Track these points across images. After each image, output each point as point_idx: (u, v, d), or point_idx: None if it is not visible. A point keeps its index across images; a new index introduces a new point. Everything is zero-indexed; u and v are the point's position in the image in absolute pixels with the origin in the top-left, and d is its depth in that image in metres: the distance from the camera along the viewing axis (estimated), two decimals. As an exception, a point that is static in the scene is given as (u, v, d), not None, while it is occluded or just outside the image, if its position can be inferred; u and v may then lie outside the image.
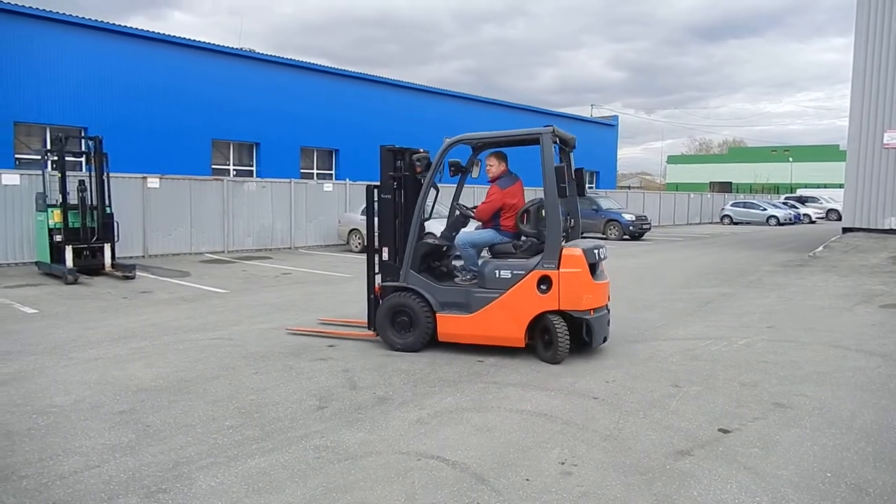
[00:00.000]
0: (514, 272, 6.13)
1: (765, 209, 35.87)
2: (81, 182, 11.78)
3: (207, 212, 16.12)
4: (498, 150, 6.75)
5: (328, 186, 19.15)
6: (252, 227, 17.09)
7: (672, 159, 78.21)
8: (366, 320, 7.02)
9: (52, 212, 11.59)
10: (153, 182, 15.21)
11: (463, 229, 7.08)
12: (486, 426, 4.46)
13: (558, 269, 5.94)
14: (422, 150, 6.77)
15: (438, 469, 3.77)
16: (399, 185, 6.64)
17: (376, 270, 6.85)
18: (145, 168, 15.79)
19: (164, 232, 15.29)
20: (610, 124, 41.42)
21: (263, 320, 8.05)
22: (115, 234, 12.23)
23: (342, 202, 19.09)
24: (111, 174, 12.25)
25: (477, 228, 6.99)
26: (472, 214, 6.87)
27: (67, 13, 17.67)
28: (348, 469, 3.77)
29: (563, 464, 3.84)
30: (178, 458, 3.89)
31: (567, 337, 5.95)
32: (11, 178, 13.21)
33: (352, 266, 13.93)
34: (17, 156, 16.81)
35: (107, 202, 12.07)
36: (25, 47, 16.65)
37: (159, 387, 5.27)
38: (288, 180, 18.13)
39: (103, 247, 11.95)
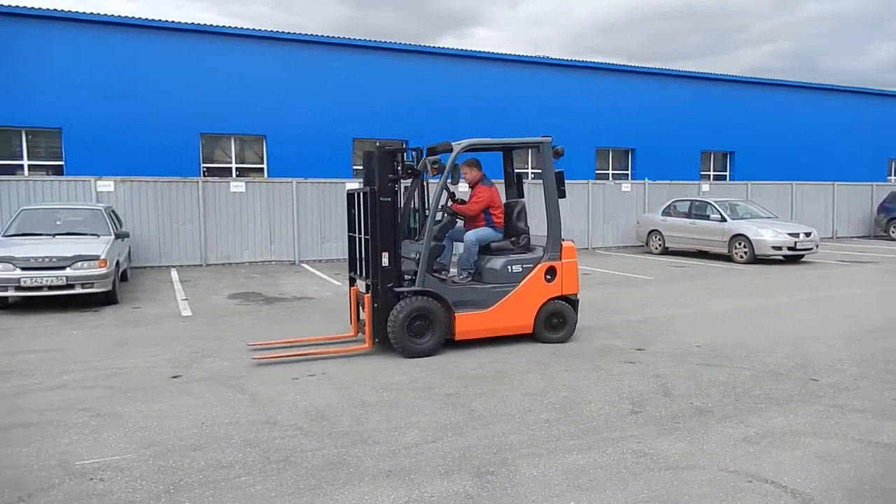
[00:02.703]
0: (524, 266, 6.78)
1: None
2: (405, 188, 13.29)
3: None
4: (472, 157, 7.22)
5: (626, 187, 18.79)
6: (550, 227, 17.54)
7: None
8: (308, 338, 6.99)
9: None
10: (462, 186, 16.53)
11: (462, 229, 7.17)
12: (830, 455, 3.90)
13: (561, 259, 6.83)
14: (395, 142, 6.65)
15: (775, 495, 3.40)
16: (398, 187, 6.54)
17: (365, 277, 6.56)
18: (455, 173, 17.19)
19: (471, 232, 16.51)
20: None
21: (567, 319, 8.18)
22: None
23: (640, 202, 18.58)
24: (428, 181, 13.62)
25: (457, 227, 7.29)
26: (461, 214, 7.11)
27: (390, 41, 20.15)
28: (670, 480, 3.60)
29: (942, 514, 3.17)
30: (501, 444, 4.12)
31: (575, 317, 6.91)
32: (352, 185, 15.55)
33: (652, 268, 13.45)
34: (354, 167, 19.68)
35: (426, 205, 13.44)
36: (352, 73, 19.40)
37: (479, 375, 5.68)
38: (585, 181, 18.22)
39: (423, 245, 13.32)
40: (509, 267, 6.77)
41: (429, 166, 6.56)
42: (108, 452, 4.01)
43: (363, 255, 6.61)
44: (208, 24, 17.43)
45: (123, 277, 10.81)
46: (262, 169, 18.15)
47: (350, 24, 65.36)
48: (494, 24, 69.23)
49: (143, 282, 11.63)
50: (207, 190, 14.20)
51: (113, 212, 11.52)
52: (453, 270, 7.08)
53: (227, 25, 17.70)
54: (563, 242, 6.93)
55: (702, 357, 6.22)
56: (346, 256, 7.50)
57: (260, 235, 14.72)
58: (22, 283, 8.51)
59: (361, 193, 6.53)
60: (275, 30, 18.04)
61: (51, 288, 8.62)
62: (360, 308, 6.90)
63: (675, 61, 66.59)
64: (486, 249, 6.94)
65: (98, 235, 9.84)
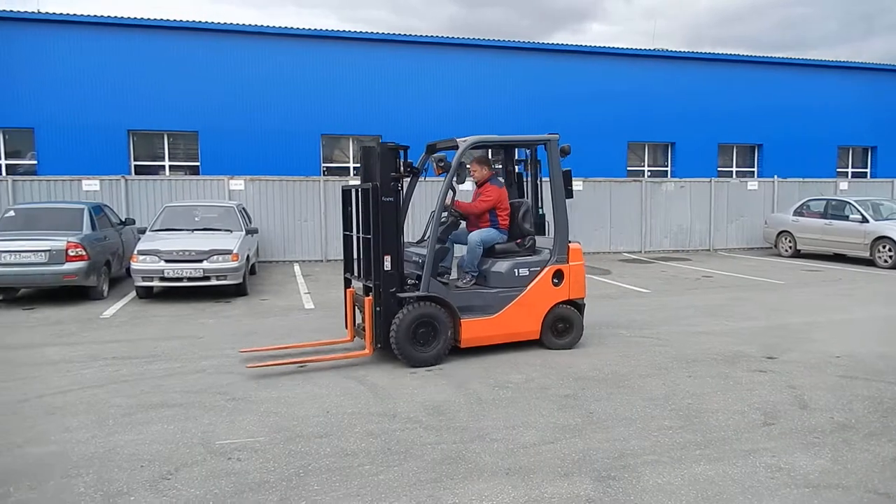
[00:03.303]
0: (531, 269, 6.47)
1: None
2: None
3: (625, 212, 16.54)
4: (481, 154, 6.89)
5: (753, 185, 17.72)
6: (669, 227, 16.89)
7: None
8: (303, 343, 6.62)
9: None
10: (577, 185, 16.25)
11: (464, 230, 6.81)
12: None
13: (568, 262, 6.55)
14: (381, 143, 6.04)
15: (935, 524, 3.08)
16: (400, 186, 6.09)
17: (362, 279, 6.24)
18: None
19: (586, 231, 16.19)
20: None
21: (690, 323, 7.84)
22: (545, 231, 13.41)
23: (768, 201, 17.48)
24: (542, 178, 13.49)
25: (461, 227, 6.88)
26: (463, 213, 6.70)
27: (502, 39, 20.13)
28: (809, 498, 3.36)
29: None
30: (623, 449, 4.01)
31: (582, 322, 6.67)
32: (465, 186, 15.64)
33: (782, 272, 12.60)
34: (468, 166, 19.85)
35: (539, 203, 13.31)
36: (464, 73, 19.53)
37: (596, 377, 5.55)
38: (707, 179, 17.36)
39: (535, 244, 13.21)
40: (516, 270, 6.43)
41: (434, 165, 6.22)
42: (244, 434, 4.28)
43: (360, 256, 6.33)
44: (328, 29, 18.17)
45: (252, 271, 11.50)
46: (378, 168, 18.69)
47: (463, 23, 65.96)
48: (608, 18, 67.46)
49: (270, 275, 12.31)
50: (328, 188, 14.81)
51: (244, 209, 12.27)
52: (454, 274, 6.75)
53: (344, 30, 18.35)
54: (569, 244, 6.63)
55: (842, 369, 5.76)
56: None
57: (376, 232, 15.16)
58: (165, 275, 9.26)
59: (360, 191, 6.18)
60: (390, 32, 18.54)
61: (189, 279, 9.32)
62: (357, 311, 6.59)
63: (804, 50, 61.84)
64: (490, 252, 6.57)
65: (231, 231, 10.51)
